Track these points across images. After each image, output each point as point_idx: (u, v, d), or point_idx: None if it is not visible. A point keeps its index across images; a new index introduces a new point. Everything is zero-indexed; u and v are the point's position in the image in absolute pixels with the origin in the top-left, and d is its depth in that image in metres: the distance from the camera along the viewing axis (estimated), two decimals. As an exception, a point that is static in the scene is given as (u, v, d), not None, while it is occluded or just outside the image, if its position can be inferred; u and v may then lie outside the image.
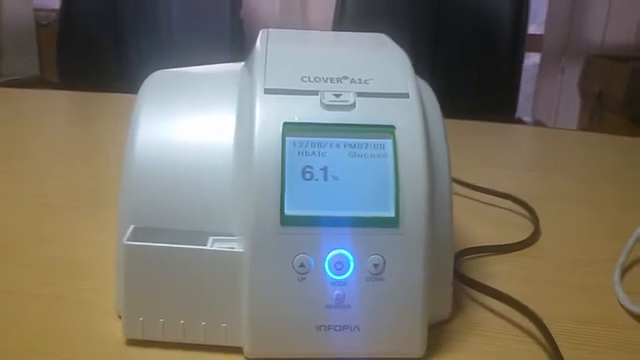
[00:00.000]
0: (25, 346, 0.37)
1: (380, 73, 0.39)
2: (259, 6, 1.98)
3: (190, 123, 0.39)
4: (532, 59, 2.11)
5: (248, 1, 1.93)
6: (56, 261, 0.47)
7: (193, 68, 0.45)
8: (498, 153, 0.85)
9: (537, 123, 1.51)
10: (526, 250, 0.53)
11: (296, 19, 2.00)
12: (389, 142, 0.36)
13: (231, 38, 1.41)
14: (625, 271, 0.50)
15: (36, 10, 2.17)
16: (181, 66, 0.46)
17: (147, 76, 0.43)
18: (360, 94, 0.37)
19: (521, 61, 1.42)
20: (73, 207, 0.58)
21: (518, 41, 1.41)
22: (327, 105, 0.36)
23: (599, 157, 0.85)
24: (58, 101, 1.06)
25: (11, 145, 0.77)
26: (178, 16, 1.43)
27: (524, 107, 2.06)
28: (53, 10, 2.13)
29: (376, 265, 0.35)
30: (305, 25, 1.99)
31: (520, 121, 1.43)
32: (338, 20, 1.43)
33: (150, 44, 1.43)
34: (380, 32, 0.48)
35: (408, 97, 0.37)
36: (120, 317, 0.37)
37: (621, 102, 1.78)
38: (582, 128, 1.94)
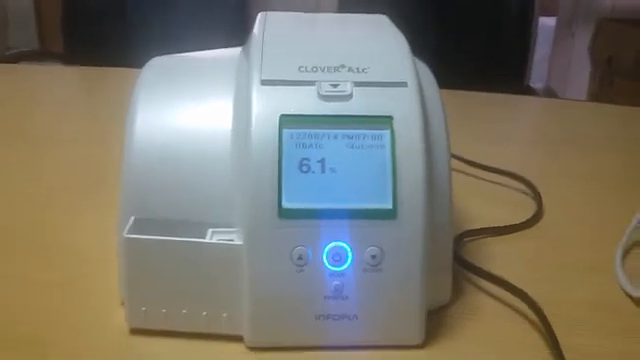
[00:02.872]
0: (28, 334, 0.38)
1: (378, 61, 0.38)
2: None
3: (188, 112, 0.39)
4: (549, 22, 2.08)
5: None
6: (57, 246, 0.47)
7: (192, 54, 0.45)
8: (503, 126, 0.85)
9: (547, 90, 1.49)
10: (528, 231, 0.53)
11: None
12: (387, 133, 0.35)
13: (235, 15, 1.40)
14: (627, 253, 0.50)
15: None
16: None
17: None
18: (358, 84, 0.36)
19: (530, 27, 1.39)
20: (74, 190, 0.58)
21: (527, 6, 1.38)
22: (324, 96, 0.36)
23: (607, 130, 0.84)
24: (60, 77, 1.06)
25: (9, 125, 0.76)
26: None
27: (539, 70, 2.04)
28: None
29: (374, 256, 0.35)
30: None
31: (529, 89, 1.41)
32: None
33: (155, 18, 1.42)
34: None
35: (406, 86, 0.37)
36: (123, 304, 0.38)
37: (631, 67, 1.75)
38: (592, 94, 1.91)
